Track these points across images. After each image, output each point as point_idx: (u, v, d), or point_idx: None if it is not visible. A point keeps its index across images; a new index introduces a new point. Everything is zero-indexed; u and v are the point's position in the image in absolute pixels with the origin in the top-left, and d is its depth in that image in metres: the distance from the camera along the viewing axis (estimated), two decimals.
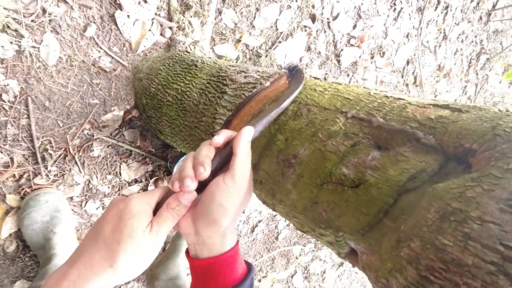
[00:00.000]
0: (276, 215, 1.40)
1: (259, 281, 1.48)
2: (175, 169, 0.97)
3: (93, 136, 0.90)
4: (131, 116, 0.93)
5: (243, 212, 1.28)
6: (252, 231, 1.35)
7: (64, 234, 0.83)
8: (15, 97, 0.78)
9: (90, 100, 0.87)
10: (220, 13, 0.96)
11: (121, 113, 0.91)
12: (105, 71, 0.86)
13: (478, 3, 1.78)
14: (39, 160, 0.84)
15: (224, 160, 0.34)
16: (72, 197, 0.93)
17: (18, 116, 0.79)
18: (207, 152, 0.33)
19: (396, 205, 0.27)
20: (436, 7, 1.61)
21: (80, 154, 0.89)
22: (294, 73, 0.48)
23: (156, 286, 1.02)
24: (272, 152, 0.42)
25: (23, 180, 0.84)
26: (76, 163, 0.90)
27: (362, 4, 1.29)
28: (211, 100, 0.58)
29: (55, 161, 0.87)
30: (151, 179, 1.02)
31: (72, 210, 0.93)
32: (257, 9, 1.02)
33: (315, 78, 0.45)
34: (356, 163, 0.31)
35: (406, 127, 0.29)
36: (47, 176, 0.87)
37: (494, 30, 1.95)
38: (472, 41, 1.91)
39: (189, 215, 0.34)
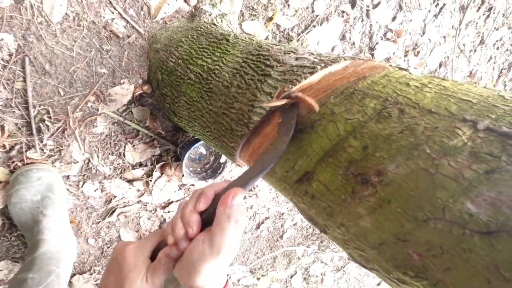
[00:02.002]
0: (283, 213, 1.31)
1: (258, 279, 1.41)
2: (185, 158, 0.87)
3: (97, 110, 0.79)
4: (142, 92, 0.82)
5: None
6: (258, 227, 1.27)
7: (56, 218, 0.74)
8: (10, 55, 0.66)
9: (98, 69, 0.75)
10: None
11: (132, 87, 0.80)
12: (118, 36, 0.74)
13: None
14: (34, 131, 0.73)
15: (214, 212, 0.33)
16: (68, 176, 0.83)
17: (12, 78, 0.68)
18: (192, 209, 0.35)
19: None
20: (479, 8, 1.48)
21: (81, 129, 0.79)
22: (288, 109, 0.37)
23: None
24: (338, 161, 0.32)
25: (14, 152, 0.74)
26: (76, 138, 0.79)
27: None
28: (249, 83, 0.47)
29: (52, 134, 0.76)
30: (157, 164, 0.92)
31: (68, 190, 0.84)
32: None
33: (400, 68, 0.34)
34: (493, 200, 0.21)
35: None
36: (42, 150, 0.76)
37: None
38: (507, 49, 1.79)
39: (177, 264, 0.36)
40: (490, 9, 1.51)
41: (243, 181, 0.33)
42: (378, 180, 0.27)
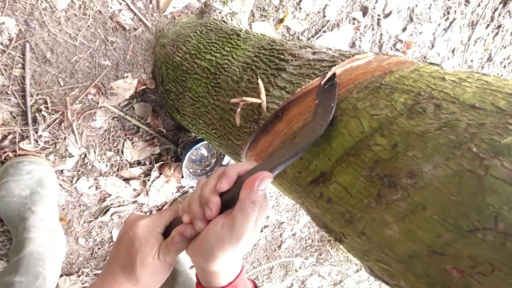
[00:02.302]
0: (283, 222, 1.27)
1: None
2: (185, 158, 0.83)
3: (97, 103, 0.76)
4: (145, 87, 0.79)
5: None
6: None
7: (44, 215, 0.70)
8: (10, 40, 0.63)
9: (101, 60, 0.73)
10: None
11: (135, 81, 0.77)
12: (124, 28, 0.72)
13: None
14: (30, 121, 0.70)
15: (237, 193, 0.30)
16: (62, 171, 0.79)
17: (10, 64, 0.65)
18: (212, 189, 0.32)
19: None
20: (488, 25, 1.47)
21: (80, 122, 0.75)
22: (327, 90, 0.34)
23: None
24: (362, 161, 0.28)
25: (6, 142, 0.70)
26: (73, 131, 0.76)
27: (416, 6, 1.16)
28: (261, 78, 0.44)
29: (48, 126, 0.73)
30: (156, 163, 0.88)
31: (60, 185, 0.80)
32: None
33: (431, 63, 0.31)
34: None
35: None
36: (36, 141, 0.73)
37: None
38: None
39: (191, 245, 0.34)
40: (499, 26, 1.51)
41: (271, 165, 0.29)
42: (410, 182, 0.24)
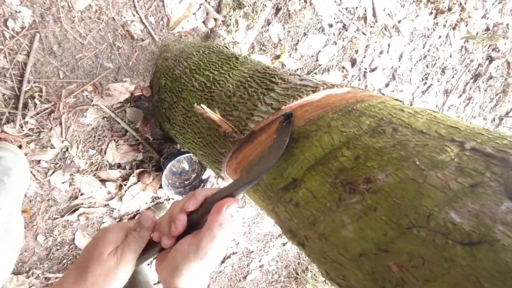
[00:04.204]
0: (252, 251, 1.25)
1: None
2: (167, 168, 0.85)
3: (91, 101, 0.78)
4: (141, 94, 0.83)
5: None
6: (222, 262, 1.19)
7: (4, 205, 0.67)
8: (22, 28, 0.67)
9: (104, 62, 0.77)
10: (268, 23, 0.92)
11: (132, 87, 0.81)
12: (132, 37, 0.77)
13: (496, 105, 1.84)
14: (20, 105, 0.71)
15: (203, 215, 0.34)
16: (39, 161, 0.78)
17: (16, 50, 0.68)
18: (181, 208, 0.35)
19: None
20: (461, 95, 1.64)
21: (69, 115, 0.77)
22: (285, 126, 0.40)
23: None
24: (329, 169, 0.32)
25: None
26: (60, 123, 0.77)
27: (399, 67, 1.29)
28: (251, 95, 0.49)
29: (37, 113, 0.74)
30: (136, 169, 0.89)
31: (34, 175, 0.78)
32: (305, 34, 0.98)
33: (395, 99, 0.37)
34: (476, 211, 0.21)
35: None
36: (21, 127, 0.73)
37: None
38: None
39: (159, 260, 0.36)
40: (470, 98, 1.68)
41: (232, 189, 0.34)
42: (366, 187, 0.28)
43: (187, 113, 0.64)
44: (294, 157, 0.37)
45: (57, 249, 0.88)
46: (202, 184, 0.89)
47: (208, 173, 0.85)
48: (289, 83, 0.46)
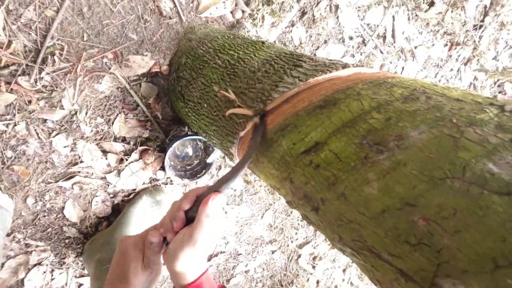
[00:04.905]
0: (240, 254, 1.21)
1: None
2: (172, 147, 0.84)
3: (109, 68, 0.78)
4: (159, 71, 0.83)
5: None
6: (209, 259, 1.15)
7: None
8: None
9: (129, 33, 0.77)
10: (292, 25, 0.94)
11: (151, 62, 0.81)
12: (161, 14, 0.79)
13: None
14: (39, 60, 0.71)
15: (196, 211, 0.39)
16: (46, 120, 0.77)
17: (47, 4, 0.69)
18: (178, 208, 0.41)
19: None
20: None
21: (85, 79, 0.77)
22: (259, 126, 0.45)
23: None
24: (356, 131, 0.32)
25: (6, 71, 0.70)
26: (75, 85, 0.76)
27: None
28: (277, 70, 0.49)
29: (54, 71, 0.73)
30: (140, 146, 0.88)
31: (37, 134, 0.77)
32: (326, 41, 1.01)
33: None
34: None
35: None
36: (36, 82, 0.73)
37: None
38: None
39: (164, 251, 0.43)
40: None
41: (218, 186, 0.40)
42: (397, 143, 0.27)
43: (206, 88, 0.64)
44: (318, 122, 0.36)
45: (44, 216, 0.85)
46: (204, 170, 0.88)
47: (213, 157, 0.84)
48: (317, 62, 0.47)
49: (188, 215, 0.41)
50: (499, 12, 1.35)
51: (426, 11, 1.13)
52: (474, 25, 1.29)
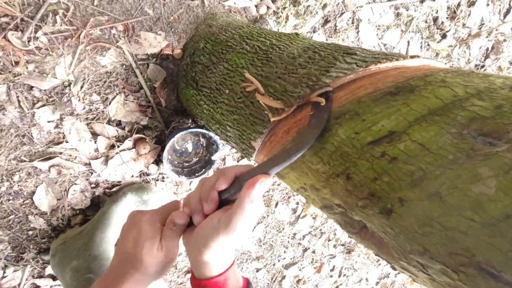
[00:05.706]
0: (260, 256, 1.10)
1: None
2: (173, 138, 0.75)
3: (117, 41, 0.70)
4: (171, 54, 0.76)
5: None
6: (188, 272, 1.03)
7: None
8: None
9: (146, 7, 0.70)
10: (314, 31, 0.91)
11: (164, 43, 0.74)
12: None
13: None
14: (38, 16, 0.62)
15: (234, 193, 0.34)
16: (32, 88, 0.67)
17: None
18: (212, 186, 0.35)
19: None
20: None
21: (87, 48, 0.68)
22: (321, 107, 0.38)
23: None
24: (451, 119, 0.26)
25: None
26: (74, 54, 0.67)
27: None
28: (325, 56, 0.44)
29: (53, 32, 0.64)
30: (136, 134, 0.78)
31: (18, 101, 0.66)
32: None
33: None
34: None
35: None
36: (29, 40, 0.63)
37: None
38: None
39: (187, 235, 0.38)
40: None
41: (267, 168, 0.33)
42: None
43: (230, 73, 0.57)
44: (392, 110, 0.31)
45: (9, 199, 0.72)
46: (205, 168, 0.79)
47: (219, 155, 0.76)
48: (373, 52, 0.42)
49: (222, 197, 0.35)
50: (499, 56, 1.41)
51: (438, 42, 1.15)
52: (476, 65, 1.33)
